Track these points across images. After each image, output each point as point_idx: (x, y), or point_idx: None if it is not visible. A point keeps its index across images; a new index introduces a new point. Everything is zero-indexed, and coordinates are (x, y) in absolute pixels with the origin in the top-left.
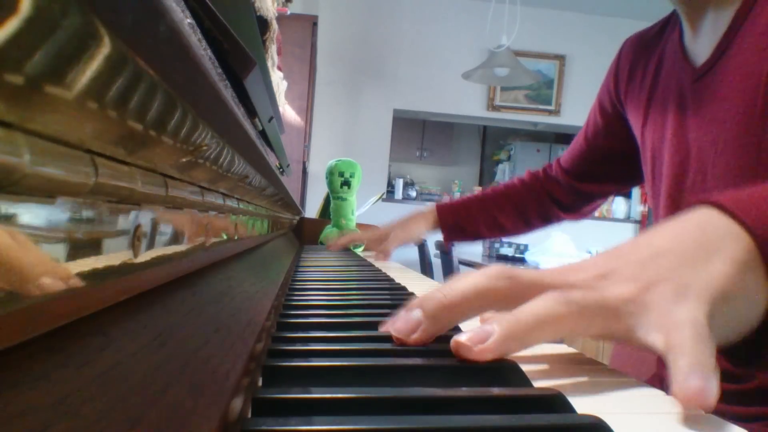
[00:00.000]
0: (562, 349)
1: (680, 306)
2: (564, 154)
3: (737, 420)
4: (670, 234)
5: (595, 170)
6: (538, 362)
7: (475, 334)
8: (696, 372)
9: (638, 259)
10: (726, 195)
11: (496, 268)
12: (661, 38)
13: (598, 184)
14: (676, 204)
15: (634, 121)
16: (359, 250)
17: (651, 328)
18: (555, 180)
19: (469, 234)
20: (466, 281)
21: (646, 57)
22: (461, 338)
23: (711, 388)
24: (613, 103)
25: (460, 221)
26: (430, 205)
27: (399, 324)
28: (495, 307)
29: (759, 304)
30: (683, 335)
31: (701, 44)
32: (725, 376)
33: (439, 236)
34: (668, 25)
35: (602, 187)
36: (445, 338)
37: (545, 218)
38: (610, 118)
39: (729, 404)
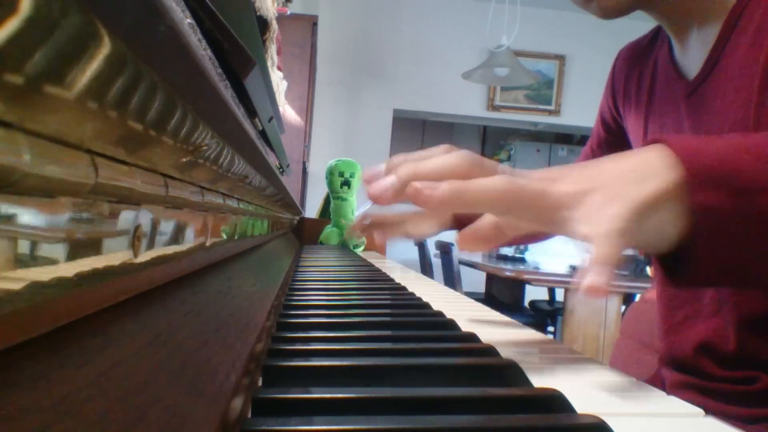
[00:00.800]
0: (563, 349)
1: (607, 206)
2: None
3: (742, 421)
4: (619, 159)
5: None
6: (538, 362)
7: (429, 184)
8: (596, 267)
9: (589, 172)
10: (676, 136)
11: (465, 151)
12: (653, 50)
13: None
14: None
15: (634, 136)
16: (359, 250)
17: (581, 220)
18: None
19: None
20: (438, 158)
21: (640, 69)
22: (417, 184)
23: (602, 280)
24: (613, 116)
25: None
26: None
27: (375, 187)
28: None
29: (676, 221)
30: (602, 228)
31: (691, 58)
32: (731, 379)
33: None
34: (658, 36)
35: None
36: (445, 339)
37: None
38: (613, 130)
39: (731, 404)
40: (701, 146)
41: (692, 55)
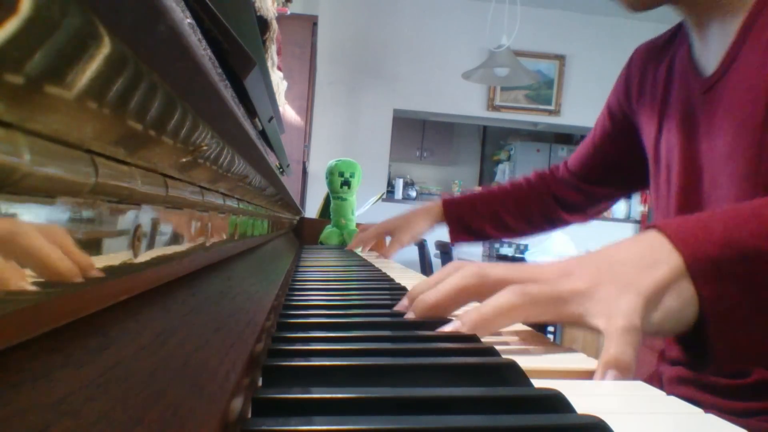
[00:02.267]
0: (563, 348)
1: (620, 298)
2: (571, 156)
3: (735, 415)
4: (624, 248)
5: (601, 174)
6: (539, 361)
7: (452, 327)
8: (610, 373)
9: (594, 263)
10: (673, 222)
11: (470, 268)
12: (671, 48)
13: (603, 187)
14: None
15: (647, 133)
16: (359, 250)
17: (596, 313)
18: (561, 180)
19: (474, 231)
20: (447, 283)
21: (656, 67)
22: (444, 329)
23: (627, 370)
24: (623, 111)
25: (464, 216)
26: (434, 200)
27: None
28: (471, 300)
29: (688, 306)
30: (617, 324)
31: (709, 55)
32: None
33: (439, 236)
34: (677, 35)
35: (607, 191)
36: (445, 338)
37: (548, 219)
38: (619, 125)
39: (726, 399)
40: (700, 232)
41: (711, 51)
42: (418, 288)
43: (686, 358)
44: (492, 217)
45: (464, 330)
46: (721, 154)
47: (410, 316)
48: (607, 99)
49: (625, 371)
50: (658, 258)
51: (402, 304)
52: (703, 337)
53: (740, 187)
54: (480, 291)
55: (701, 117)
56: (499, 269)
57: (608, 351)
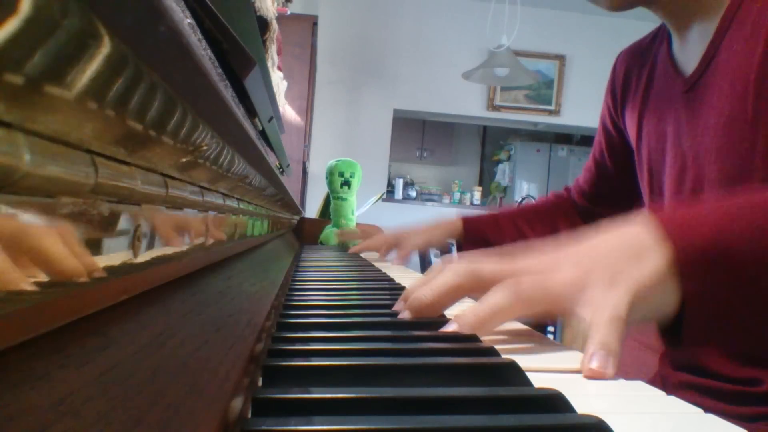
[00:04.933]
0: (563, 348)
1: (609, 291)
2: (576, 178)
3: (740, 419)
4: (614, 237)
5: (606, 191)
6: (539, 361)
7: (449, 328)
8: (599, 353)
9: (585, 253)
10: (665, 212)
11: (463, 266)
12: (652, 49)
13: (609, 206)
14: None
15: (631, 133)
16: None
17: (584, 305)
18: (575, 202)
19: (493, 246)
20: (440, 281)
21: (639, 68)
22: (448, 330)
23: (607, 367)
24: (612, 120)
25: (487, 235)
26: (455, 216)
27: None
28: (465, 296)
29: (672, 299)
30: (603, 315)
31: (690, 54)
32: (735, 379)
33: None
34: (658, 36)
35: (613, 210)
36: (445, 338)
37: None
38: (612, 135)
39: (735, 405)
40: (684, 220)
41: (691, 50)
42: (413, 287)
43: (660, 332)
44: (515, 235)
45: (463, 332)
46: (708, 150)
47: (405, 315)
48: (600, 114)
49: (610, 354)
50: (647, 247)
51: (398, 306)
52: (679, 321)
53: (732, 182)
54: (474, 287)
55: (684, 115)
56: (491, 265)
57: (593, 338)
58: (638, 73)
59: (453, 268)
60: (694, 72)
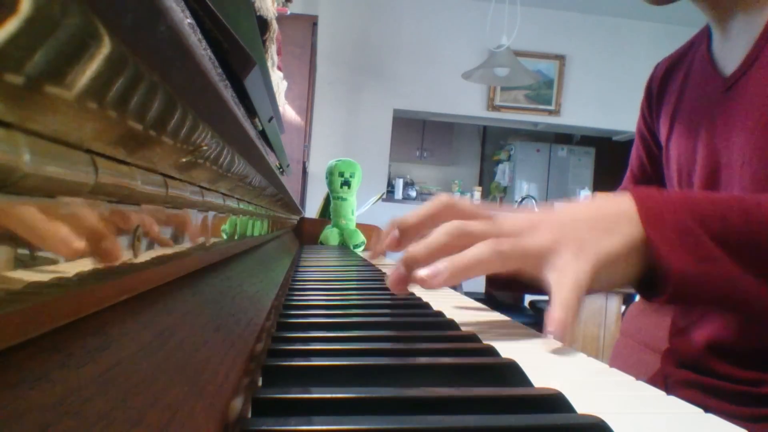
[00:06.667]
0: (563, 348)
1: (576, 259)
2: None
3: (744, 420)
4: (591, 208)
5: None
6: (540, 360)
7: (430, 270)
8: (560, 307)
9: (561, 220)
10: (644, 191)
11: (454, 225)
12: (689, 54)
13: None
14: None
15: (662, 133)
16: (359, 250)
17: (551, 267)
18: None
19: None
20: (434, 239)
21: (675, 72)
22: (421, 273)
23: (567, 319)
24: (647, 126)
25: None
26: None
27: (390, 279)
28: (455, 252)
29: (634, 271)
30: (566, 279)
31: (731, 52)
32: (739, 379)
33: None
34: (696, 42)
35: None
36: (445, 338)
37: None
38: (650, 144)
39: (737, 405)
40: (660, 202)
41: (733, 48)
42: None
43: (636, 288)
44: None
45: (443, 275)
46: (739, 153)
47: (401, 270)
48: (636, 126)
49: (569, 311)
50: (621, 223)
51: (392, 235)
52: (653, 284)
53: (764, 185)
54: (463, 245)
55: (720, 116)
56: (479, 224)
57: (554, 299)
58: (674, 77)
59: (444, 228)
60: (736, 71)
